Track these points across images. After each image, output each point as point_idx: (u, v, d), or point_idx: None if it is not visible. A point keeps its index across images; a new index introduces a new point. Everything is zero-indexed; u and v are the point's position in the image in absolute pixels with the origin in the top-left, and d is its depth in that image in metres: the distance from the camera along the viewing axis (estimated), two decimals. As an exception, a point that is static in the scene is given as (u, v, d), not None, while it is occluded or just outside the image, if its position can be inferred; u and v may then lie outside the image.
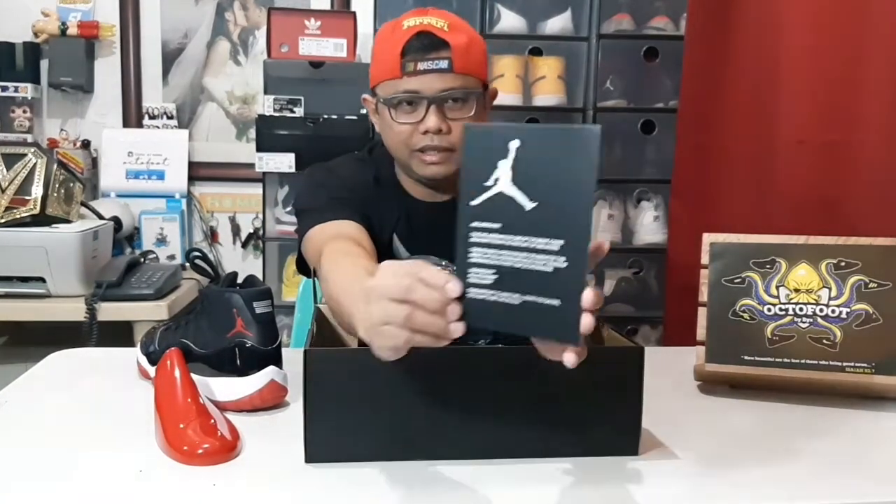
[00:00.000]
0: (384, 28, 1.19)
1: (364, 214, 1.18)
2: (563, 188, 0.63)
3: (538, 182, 0.64)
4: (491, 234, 0.67)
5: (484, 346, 0.97)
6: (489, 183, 0.66)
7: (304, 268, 1.26)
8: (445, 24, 1.13)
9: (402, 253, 1.24)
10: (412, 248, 1.24)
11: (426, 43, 1.11)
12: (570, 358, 0.63)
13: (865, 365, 1.01)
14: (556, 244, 0.63)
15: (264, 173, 2.35)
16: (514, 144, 0.65)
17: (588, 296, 0.61)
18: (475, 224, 0.67)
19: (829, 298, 1.03)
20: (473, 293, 0.67)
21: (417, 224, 1.24)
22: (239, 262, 2.65)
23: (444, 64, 1.11)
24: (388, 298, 0.66)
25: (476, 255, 0.67)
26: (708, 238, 1.11)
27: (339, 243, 1.09)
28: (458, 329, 0.66)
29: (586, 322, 0.62)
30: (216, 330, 0.95)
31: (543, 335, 0.66)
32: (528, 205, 0.65)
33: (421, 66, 1.11)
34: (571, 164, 0.63)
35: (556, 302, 0.63)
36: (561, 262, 0.63)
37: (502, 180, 0.66)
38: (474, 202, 0.67)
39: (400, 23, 1.14)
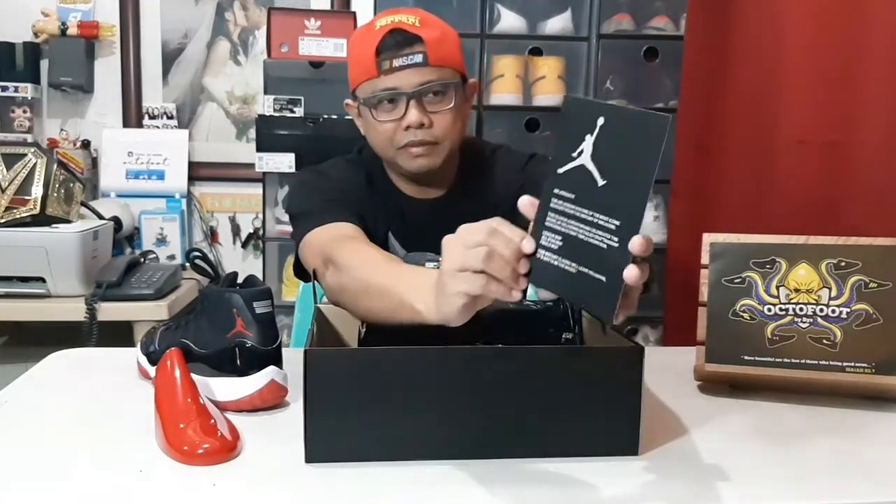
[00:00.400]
0: (357, 31, 1.20)
1: (359, 215, 1.18)
2: (629, 171, 0.66)
3: (611, 161, 0.68)
4: (566, 202, 0.71)
5: (484, 346, 0.97)
6: (575, 154, 0.70)
7: (302, 272, 1.25)
8: (416, 19, 1.14)
9: (399, 250, 1.24)
10: (407, 246, 1.24)
11: (399, 40, 1.12)
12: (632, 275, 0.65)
13: (865, 365, 1.00)
14: (613, 223, 0.67)
15: (264, 173, 2.35)
16: (600, 121, 0.68)
17: (630, 273, 0.64)
18: (556, 191, 0.71)
19: (830, 298, 1.03)
20: (541, 254, 0.72)
21: (411, 222, 1.25)
22: (239, 262, 2.65)
23: (418, 58, 1.12)
24: (469, 245, 0.70)
25: (551, 220, 0.72)
26: (708, 238, 1.11)
27: (349, 242, 1.08)
28: (524, 283, 0.71)
29: (631, 273, 0.64)
30: (216, 330, 0.95)
31: (587, 306, 0.73)
32: (600, 181, 0.68)
33: (396, 62, 1.12)
34: (639, 148, 0.65)
35: (602, 278, 0.67)
36: (614, 242, 0.67)
37: (585, 153, 0.69)
38: (561, 170, 0.71)
39: (372, 24, 1.15)
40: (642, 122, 0.65)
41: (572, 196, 0.70)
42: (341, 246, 1.06)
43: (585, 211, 0.69)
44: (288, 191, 1.28)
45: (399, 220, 1.25)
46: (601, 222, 0.68)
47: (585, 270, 0.68)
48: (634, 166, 0.66)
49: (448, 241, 0.74)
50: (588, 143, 0.68)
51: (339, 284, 1.03)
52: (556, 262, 0.71)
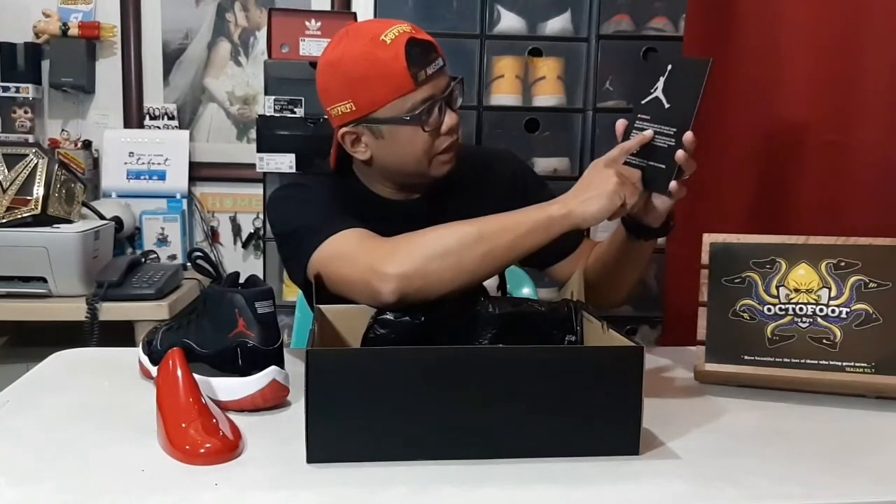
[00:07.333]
0: (360, 51, 1.09)
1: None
2: (684, 96, 1.03)
3: (673, 91, 1.04)
4: (644, 122, 1.06)
5: (485, 346, 0.98)
6: (652, 90, 1.06)
7: (305, 285, 1.18)
8: (410, 26, 1.11)
9: None
10: None
11: (422, 48, 1.09)
12: (680, 156, 1.03)
13: (865, 364, 1.01)
14: (671, 130, 1.03)
15: (265, 174, 2.35)
16: (669, 67, 1.05)
17: (679, 154, 1.02)
18: (639, 115, 1.06)
19: (829, 298, 1.04)
20: (628, 158, 1.06)
21: (397, 224, 1.24)
22: (240, 262, 2.66)
23: (441, 62, 1.12)
24: (619, 176, 1.02)
25: (634, 134, 1.06)
26: (708, 238, 1.11)
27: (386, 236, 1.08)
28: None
29: (673, 185, 1.05)
30: (218, 330, 0.96)
31: (652, 187, 1.05)
32: (666, 105, 1.04)
33: (429, 70, 1.10)
34: (690, 81, 1.03)
35: (662, 165, 1.04)
36: (671, 141, 1.03)
37: (658, 88, 1.05)
38: (644, 101, 1.06)
39: (377, 40, 1.08)
40: (691, 65, 1.04)
41: (648, 117, 1.05)
42: (392, 237, 1.06)
43: (655, 125, 1.04)
44: (274, 209, 1.22)
45: (384, 224, 1.24)
46: (665, 131, 1.04)
47: (653, 164, 1.05)
48: (687, 93, 1.02)
49: (609, 166, 1.02)
50: (661, 82, 1.05)
51: (415, 267, 1.01)
52: (635, 162, 1.05)
